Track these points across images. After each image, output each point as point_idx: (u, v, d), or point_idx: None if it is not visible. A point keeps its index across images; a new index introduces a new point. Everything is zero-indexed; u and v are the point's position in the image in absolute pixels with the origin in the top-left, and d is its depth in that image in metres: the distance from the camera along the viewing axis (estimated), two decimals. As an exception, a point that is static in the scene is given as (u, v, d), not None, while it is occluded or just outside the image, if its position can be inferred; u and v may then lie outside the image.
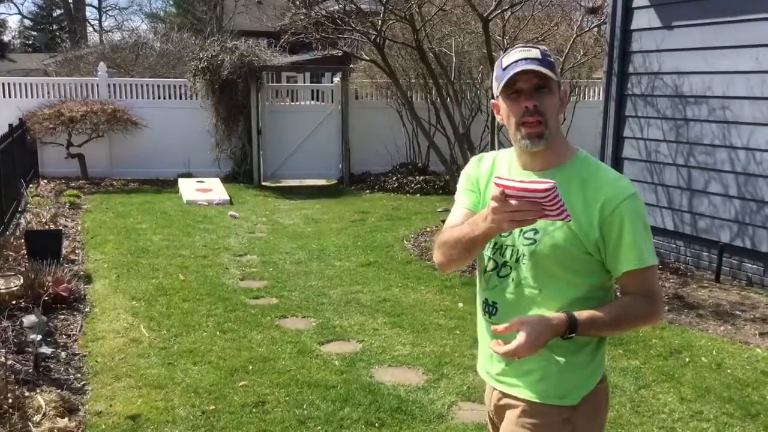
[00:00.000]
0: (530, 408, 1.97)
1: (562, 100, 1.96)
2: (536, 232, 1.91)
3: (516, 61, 1.89)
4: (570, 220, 1.77)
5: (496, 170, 2.04)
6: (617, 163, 7.76)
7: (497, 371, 2.05)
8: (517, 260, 1.95)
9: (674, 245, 7.23)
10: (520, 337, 1.78)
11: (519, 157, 2.00)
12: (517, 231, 1.92)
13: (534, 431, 1.96)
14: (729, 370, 4.56)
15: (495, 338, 1.86)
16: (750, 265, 6.46)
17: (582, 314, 1.86)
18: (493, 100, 2.02)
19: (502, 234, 1.91)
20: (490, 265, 2.01)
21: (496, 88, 1.95)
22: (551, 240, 1.90)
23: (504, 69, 1.91)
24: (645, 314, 1.91)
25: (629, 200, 1.88)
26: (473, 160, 2.15)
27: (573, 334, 1.84)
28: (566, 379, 1.95)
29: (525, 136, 1.91)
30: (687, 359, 4.74)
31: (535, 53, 1.91)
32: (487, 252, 2.01)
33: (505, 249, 1.97)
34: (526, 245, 1.92)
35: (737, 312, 5.71)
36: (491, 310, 2.00)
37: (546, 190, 1.64)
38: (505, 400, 2.04)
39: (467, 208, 2.05)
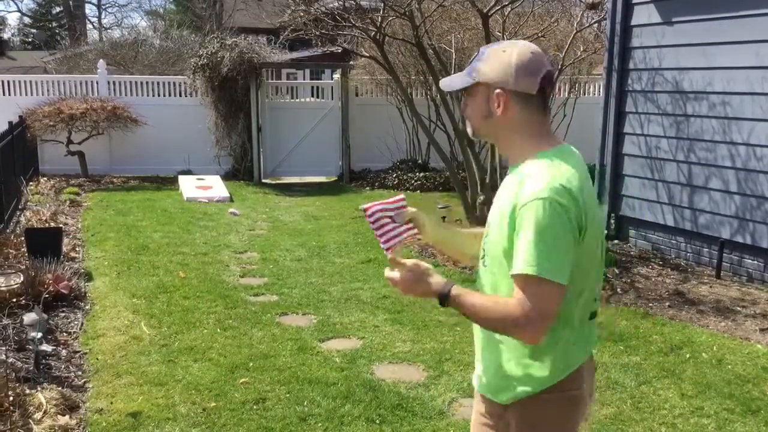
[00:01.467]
0: (479, 397, 2.08)
1: (495, 101, 1.90)
2: (489, 227, 1.96)
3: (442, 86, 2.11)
4: (388, 254, 2.01)
5: None
6: (618, 160, 7.76)
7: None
8: (482, 258, 2.01)
9: (675, 241, 7.23)
10: (400, 271, 1.96)
11: None
12: (486, 228, 1.99)
13: (477, 420, 2.08)
14: (730, 366, 4.57)
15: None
16: (750, 261, 6.46)
17: (462, 290, 1.89)
18: None
19: (486, 231, 1.99)
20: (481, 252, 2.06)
21: None
22: (491, 238, 1.94)
23: None
24: (508, 320, 1.79)
25: (533, 204, 1.77)
26: None
27: (443, 305, 1.91)
28: (501, 375, 1.96)
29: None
30: (688, 355, 4.74)
31: (460, 72, 2.02)
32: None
33: (484, 245, 2.01)
34: (486, 244, 1.99)
35: (738, 308, 5.71)
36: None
37: (394, 201, 1.98)
38: None
39: None
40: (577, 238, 1.80)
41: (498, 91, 1.89)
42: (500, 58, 1.89)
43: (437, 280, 1.94)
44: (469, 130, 2.03)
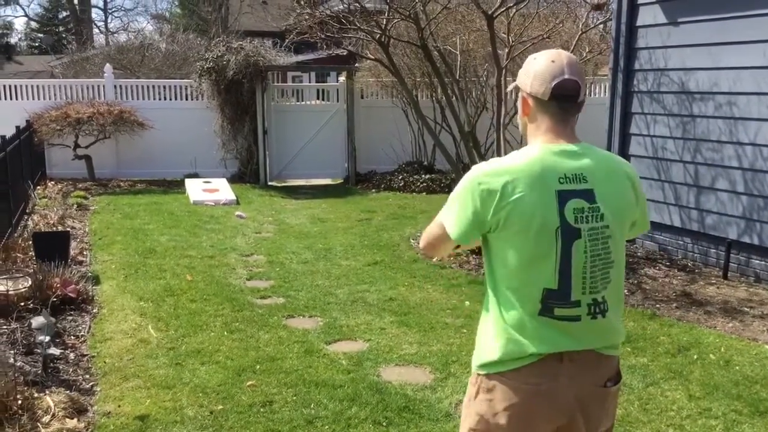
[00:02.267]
0: None
1: (523, 100, 2.11)
2: None
3: None
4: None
5: None
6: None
7: None
8: None
9: (682, 242, 7.21)
10: None
11: None
12: None
13: None
14: (737, 367, 4.55)
15: None
16: (758, 261, 6.43)
17: None
18: None
19: None
20: None
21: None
22: None
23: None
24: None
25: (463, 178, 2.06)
26: None
27: None
28: (475, 347, 2.14)
29: None
30: (695, 356, 4.72)
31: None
32: None
33: None
34: None
35: (745, 309, 5.69)
36: None
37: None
38: None
39: None
40: (486, 216, 1.95)
41: (523, 93, 2.09)
42: (527, 66, 2.07)
43: None
44: None
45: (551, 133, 2.02)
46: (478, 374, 2.07)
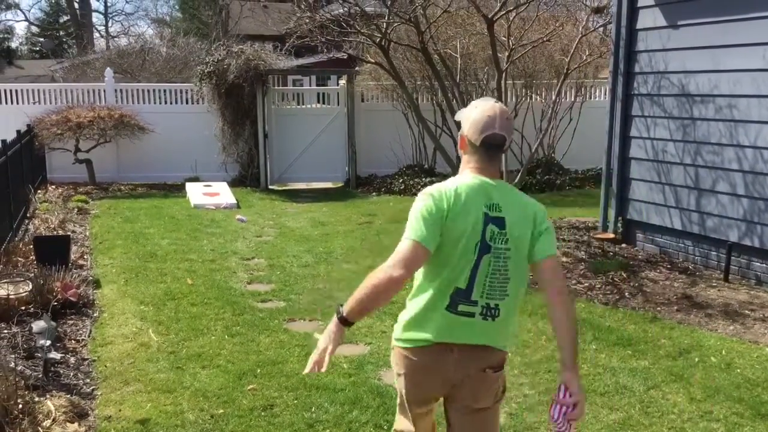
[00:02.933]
0: None
1: (461, 137, 2.56)
2: None
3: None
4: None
5: None
6: (624, 163, 7.75)
7: None
8: None
9: (682, 245, 7.21)
10: None
11: None
12: None
13: None
14: (738, 370, 4.54)
15: None
16: (759, 264, 6.43)
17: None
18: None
19: None
20: None
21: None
22: None
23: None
24: (377, 274, 2.49)
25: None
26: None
27: (345, 323, 2.54)
28: None
29: None
30: (696, 359, 4.72)
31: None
32: None
33: None
34: None
35: (746, 311, 5.68)
36: None
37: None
38: None
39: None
40: (441, 218, 2.39)
41: (462, 132, 2.54)
42: (469, 112, 2.52)
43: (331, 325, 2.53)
44: None
45: (479, 168, 2.49)
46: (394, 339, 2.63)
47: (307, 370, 2.44)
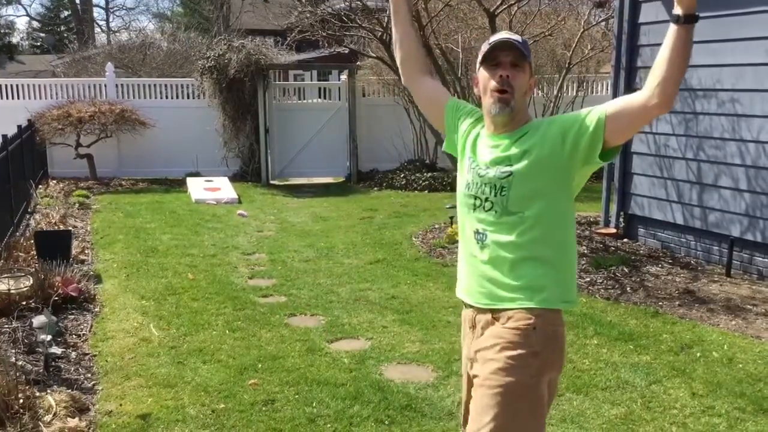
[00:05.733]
0: None
1: (531, 85, 2.35)
2: (510, 164, 2.27)
3: (501, 39, 2.30)
4: None
5: (475, 128, 2.46)
6: (626, 158, 7.72)
7: None
8: (496, 194, 2.29)
9: (684, 240, 7.19)
10: None
11: (487, 124, 2.39)
12: (493, 169, 2.30)
13: None
14: (740, 365, 4.53)
15: (484, 264, 2.31)
16: (761, 258, 6.42)
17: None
18: (474, 74, 2.41)
19: (479, 173, 2.33)
20: (477, 202, 2.34)
21: (479, 60, 2.33)
22: (523, 168, 2.25)
23: (489, 44, 2.31)
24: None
25: (564, 115, 2.32)
26: (472, 107, 2.56)
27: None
28: None
29: (495, 101, 2.28)
30: (698, 354, 4.71)
31: (517, 37, 2.32)
32: (470, 191, 2.36)
33: (485, 186, 2.32)
34: (503, 178, 2.27)
35: (748, 306, 5.67)
36: (482, 237, 2.33)
37: None
38: None
39: (442, 97, 2.62)
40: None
41: (534, 77, 2.37)
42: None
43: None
44: (507, 98, 2.27)
45: None
46: (556, 309, 2.27)
47: None
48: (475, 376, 2.27)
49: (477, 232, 2.33)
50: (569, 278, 2.31)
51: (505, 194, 2.26)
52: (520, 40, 2.30)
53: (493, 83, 2.27)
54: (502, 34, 2.32)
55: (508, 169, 2.27)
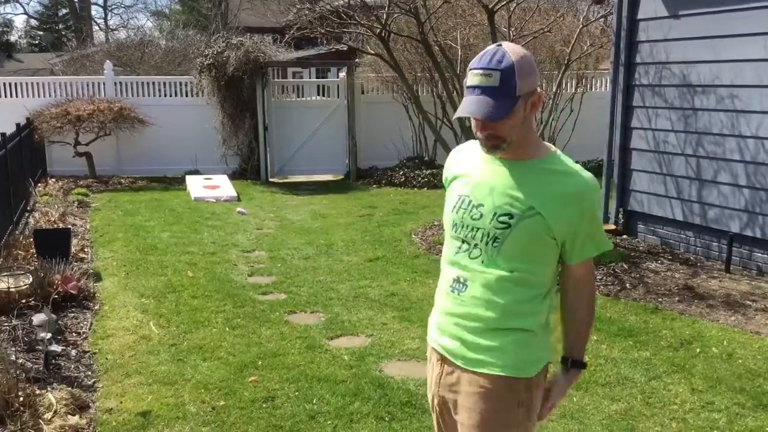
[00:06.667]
0: None
1: (534, 104, 1.99)
2: (511, 217, 2.00)
3: (472, 88, 1.94)
4: None
5: (472, 158, 2.15)
6: (626, 154, 7.73)
7: None
8: (487, 243, 2.03)
9: (684, 236, 7.20)
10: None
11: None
12: (490, 215, 2.03)
13: None
14: (740, 361, 4.54)
15: (459, 311, 2.09)
16: (760, 254, 6.42)
17: (573, 349, 2.16)
18: None
19: (473, 216, 2.05)
20: (464, 246, 2.09)
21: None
22: (525, 226, 1.99)
23: (466, 88, 1.97)
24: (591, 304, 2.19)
25: (593, 193, 2.04)
26: (452, 152, 2.29)
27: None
28: None
29: (484, 145, 2.03)
30: (698, 350, 4.71)
31: (494, 79, 1.91)
32: (459, 233, 2.10)
33: (477, 231, 2.05)
34: (500, 229, 2.01)
35: (748, 302, 5.67)
36: (460, 287, 2.10)
37: None
38: None
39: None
40: None
41: (538, 91, 2.00)
42: (527, 64, 1.94)
43: (559, 377, 2.19)
44: (495, 144, 2.00)
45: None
46: (530, 378, 2.07)
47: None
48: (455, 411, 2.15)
49: (457, 281, 2.11)
50: (544, 343, 2.12)
51: (497, 246, 2.02)
52: (498, 82, 1.91)
53: (476, 131, 2.01)
54: (476, 78, 1.94)
55: (507, 221, 2.01)
